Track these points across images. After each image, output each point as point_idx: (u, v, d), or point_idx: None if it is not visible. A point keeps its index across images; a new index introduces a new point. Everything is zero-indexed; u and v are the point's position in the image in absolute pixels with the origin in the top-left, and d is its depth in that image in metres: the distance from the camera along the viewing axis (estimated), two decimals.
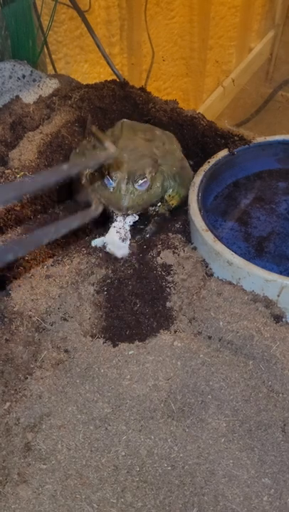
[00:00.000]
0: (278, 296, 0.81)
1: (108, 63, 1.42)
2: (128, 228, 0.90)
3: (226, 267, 0.84)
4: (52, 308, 0.82)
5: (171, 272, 0.85)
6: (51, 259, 0.86)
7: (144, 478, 0.67)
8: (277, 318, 0.81)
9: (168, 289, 0.84)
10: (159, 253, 0.88)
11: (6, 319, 0.81)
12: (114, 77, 1.39)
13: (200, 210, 0.91)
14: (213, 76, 2.35)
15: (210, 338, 0.80)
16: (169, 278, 0.85)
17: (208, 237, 0.86)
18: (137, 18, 1.70)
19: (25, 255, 0.86)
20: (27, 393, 0.75)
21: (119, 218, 0.90)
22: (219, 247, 0.85)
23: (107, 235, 0.89)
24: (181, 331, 0.81)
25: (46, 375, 0.77)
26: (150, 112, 1.17)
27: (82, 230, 0.94)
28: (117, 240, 0.88)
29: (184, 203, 0.98)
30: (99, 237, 0.91)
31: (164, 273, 0.85)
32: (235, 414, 0.72)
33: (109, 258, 0.88)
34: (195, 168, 1.01)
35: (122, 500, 0.65)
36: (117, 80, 1.32)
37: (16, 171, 0.99)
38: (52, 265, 0.86)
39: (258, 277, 0.81)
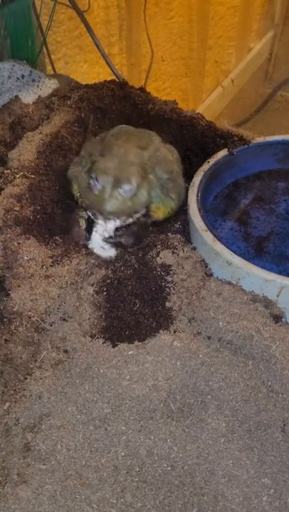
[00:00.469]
0: (278, 296, 0.81)
1: (107, 63, 1.42)
2: (111, 231, 0.90)
3: (226, 267, 0.84)
4: (51, 309, 0.82)
5: (171, 272, 0.85)
6: (50, 260, 0.86)
7: (143, 479, 0.67)
8: (277, 318, 0.81)
9: (167, 289, 0.84)
10: (158, 253, 0.88)
11: (5, 319, 0.81)
12: (113, 77, 1.39)
13: (199, 210, 0.91)
14: (213, 76, 2.35)
15: (209, 338, 0.80)
16: (169, 278, 0.85)
17: (208, 237, 0.86)
18: (136, 18, 1.70)
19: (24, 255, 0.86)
20: (26, 393, 0.75)
21: (101, 222, 0.90)
22: (219, 247, 0.85)
23: (92, 240, 0.90)
24: (181, 331, 0.81)
25: (46, 375, 0.77)
26: (149, 112, 1.17)
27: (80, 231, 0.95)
28: (101, 243, 0.89)
29: (170, 216, 0.96)
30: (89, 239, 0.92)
31: (163, 273, 0.85)
32: (234, 414, 0.72)
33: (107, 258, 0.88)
34: (194, 169, 1.01)
35: (122, 500, 0.65)
36: (117, 80, 1.32)
37: (16, 171, 0.99)
38: (51, 265, 0.86)
39: (257, 277, 0.81)
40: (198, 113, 1.18)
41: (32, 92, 1.21)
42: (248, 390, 0.74)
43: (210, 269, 0.88)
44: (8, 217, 0.90)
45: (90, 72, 1.61)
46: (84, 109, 1.14)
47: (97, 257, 0.89)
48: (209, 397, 0.73)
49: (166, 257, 0.87)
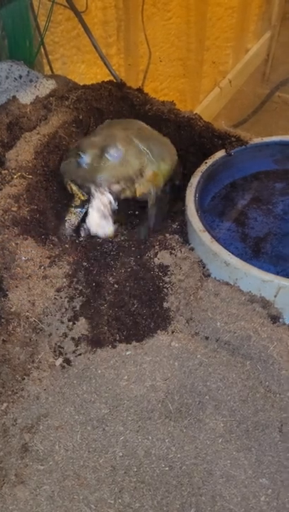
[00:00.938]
0: (275, 296, 0.81)
1: (105, 64, 1.42)
2: (109, 208, 0.90)
3: (223, 267, 0.84)
4: (49, 309, 0.82)
5: (169, 273, 0.85)
6: (48, 260, 0.86)
7: (141, 479, 0.67)
8: (274, 318, 0.81)
9: (165, 290, 0.84)
10: (156, 254, 0.88)
11: (3, 320, 0.80)
12: (111, 77, 1.39)
13: (197, 211, 0.91)
14: (210, 77, 2.36)
15: (207, 338, 0.80)
16: (166, 279, 0.85)
17: (206, 237, 0.86)
18: (134, 18, 1.70)
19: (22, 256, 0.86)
20: (24, 394, 0.75)
21: (97, 196, 0.90)
22: (216, 247, 0.85)
23: (88, 218, 0.90)
24: (179, 331, 0.81)
25: (43, 375, 0.77)
26: (147, 113, 1.17)
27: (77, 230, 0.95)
28: (97, 219, 0.89)
29: (169, 179, 0.97)
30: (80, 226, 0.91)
31: (161, 274, 0.85)
32: (232, 414, 0.72)
33: (106, 258, 0.88)
34: (192, 169, 1.02)
35: (120, 500, 0.65)
36: (114, 80, 1.32)
37: (13, 171, 0.99)
38: (49, 266, 0.86)
39: (255, 278, 0.81)
40: (196, 114, 1.18)
41: (30, 93, 1.21)
42: (245, 390, 0.74)
43: (208, 269, 0.88)
44: (6, 217, 0.90)
45: (87, 72, 1.61)
46: (82, 110, 1.14)
47: (107, 255, 0.89)
48: (207, 397, 0.73)
49: (164, 257, 0.87)
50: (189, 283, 0.85)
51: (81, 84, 1.28)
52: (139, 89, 1.26)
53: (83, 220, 0.92)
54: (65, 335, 0.81)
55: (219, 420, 0.72)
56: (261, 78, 2.78)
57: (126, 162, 0.91)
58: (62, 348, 0.80)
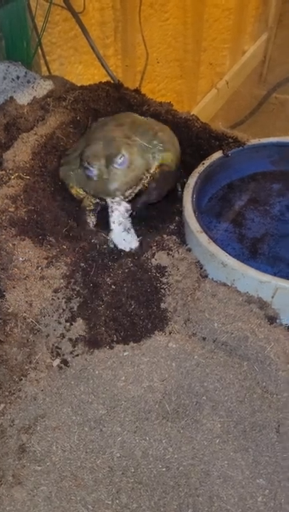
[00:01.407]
0: (272, 297, 0.82)
1: (102, 65, 1.42)
2: (127, 217, 0.90)
3: (221, 268, 0.84)
4: (46, 310, 0.82)
5: (166, 274, 0.85)
6: (46, 261, 0.86)
7: (139, 480, 0.67)
8: (272, 319, 0.81)
9: (162, 291, 0.84)
10: (153, 254, 0.88)
11: (0, 321, 0.80)
12: (108, 78, 1.39)
13: (194, 212, 0.92)
14: (207, 78, 2.36)
15: (204, 339, 0.80)
16: (164, 279, 0.85)
17: (203, 238, 0.86)
18: (131, 19, 1.70)
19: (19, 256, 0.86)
20: (21, 395, 0.75)
21: (115, 208, 0.90)
22: (214, 248, 0.85)
23: (112, 234, 0.90)
24: (176, 332, 0.81)
25: (41, 376, 0.77)
26: (144, 113, 1.17)
27: (76, 231, 0.95)
28: (123, 233, 0.89)
29: (177, 166, 0.99)
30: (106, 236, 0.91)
31: (158, 274, 0.85)
32: (229, 415, 0.72)
33: (104, 259, 0.88)
34: (189, 170, 1.02)
35: (117, 501, 0.65)
36: (112, 81, 1.32)
37: (10, 172, 0.99)
38: (46, 267, 0.86)
39: (252, 279, 0.81)
40: (193, 115, 1.18)
41: (27, 93, 1.21)
42: (242, 390, 0.74)
43: (205, 270, 0.88)
44: (3, 218, 0.90)
45: (84, 73, 1.61)
46: (79, 111, 1.14)
47: (120, 250, 0.89)
48: (204, 398, 0.74)
49: (161, 258, 0.87)
50: (186, 284, 0.85)
51: (78, 85, 1.28)
52: (137, 90, 1.26)
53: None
54: (63, 336, 0.81)
55: (216, 421, 0.72)
56: (258, 79, 2.79)
57: (133, 165, 0.91)
58: (60, 348, 0.80)
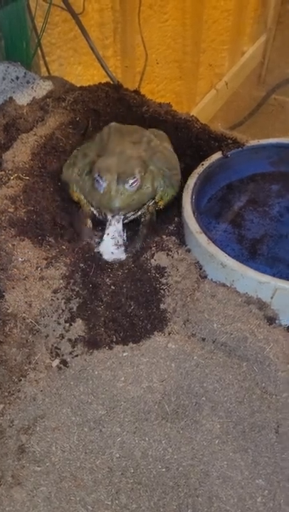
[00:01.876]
0: (271, 298, 0.82)
1: (102, 66, 1.42)
2: (122, 233, 0.91)
3: (220, 269, 0.84)
4: (46, 311, 0.82)
5: (165, 274, 0.85)
6: (45, 261, 0.86)
7: (138, 480, 0.67)
8: (271, 320, 0.81)
9: (162, 291, 0.84)
10: (153, 255, 0.88)
11: None
12: (107, 79, 1.39)
13: (194, 213, 0.92)
14: (206, 79, 2.36)
15: (204, 339, 0.80)
16: (163, 280, 0.85)
17: (202, 239, 0.87)
18: (131, 20, 1.70)
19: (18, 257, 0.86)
20: (21, 395, 0.75)
21: (113, 223, 0.90)
22: (213, 249, 0.85)
23: (102, 244, 0.90)
24: (175, 332, 0.81)
25: (40, 377, 0.77)
26: (144, 114, 1.17)
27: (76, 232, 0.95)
28: (112, 247, 0.89)
29: (171, 203, 0.99)
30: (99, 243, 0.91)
31: (158, 275, 0.85)
32: (229, 415, 0.72)
33: (103, 260, 0.88)
34: (189, 171, 1.02)
35: (117, 502, 0.65)
36: (111, 82, 1.32)
37: (10, 172, 0.99)
38: (46, 267, 0.86)
39: (251, 279, 0.81)
40: (193, 116, 1.18)
41: (26, 94, 1.21)
42: (242, 391, 0.74)
43: (204, 271, 0.88)
44: (3, 218, 0.90)
45: (84, 74, 1.61)
46: (78, 111, 1.14)
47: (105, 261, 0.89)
48: (204, 398, 0.74)
49: (160, 259, 0.87)
50: (186, 284, 0.85)
51: (78, 85, 1.28)
52: (136, 91, 1.26)
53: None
54: (62, 336, 0.80)
55: (216, 421, 0.72)
56: (257, 80, 2.80)
57: (142, 189, 0.92)
58: (59, 349, 0.80)
